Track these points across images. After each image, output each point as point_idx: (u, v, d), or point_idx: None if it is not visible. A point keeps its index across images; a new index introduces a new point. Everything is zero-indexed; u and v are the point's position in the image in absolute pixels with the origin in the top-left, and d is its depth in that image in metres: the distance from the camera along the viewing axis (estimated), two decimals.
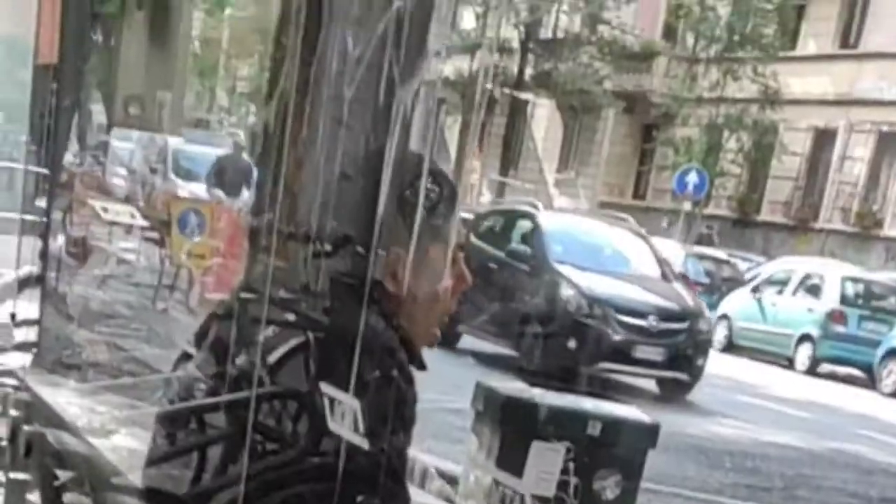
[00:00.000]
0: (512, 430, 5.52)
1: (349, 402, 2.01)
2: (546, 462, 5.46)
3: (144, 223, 16.41)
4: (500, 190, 39.11)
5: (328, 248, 2.30)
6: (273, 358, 2.24)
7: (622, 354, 14.78)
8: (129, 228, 23.09)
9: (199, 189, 18.52)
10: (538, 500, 5.42)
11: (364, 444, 2.05)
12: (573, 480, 5.45)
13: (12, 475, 3.59)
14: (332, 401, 2.07)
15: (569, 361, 14.28)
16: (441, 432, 8.80)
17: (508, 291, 15.77)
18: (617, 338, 14.79)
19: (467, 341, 15.71)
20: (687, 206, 32.58)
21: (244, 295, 2.34)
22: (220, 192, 16.66)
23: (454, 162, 40.59)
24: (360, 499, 2.18)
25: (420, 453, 8.78)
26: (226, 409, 2.23)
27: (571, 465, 5.45)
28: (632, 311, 14.99)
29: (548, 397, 5.65)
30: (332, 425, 2.05)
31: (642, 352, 14.84)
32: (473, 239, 16.27)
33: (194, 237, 13.96)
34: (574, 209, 29.01)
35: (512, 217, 17.66)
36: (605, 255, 16.43)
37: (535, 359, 14.82)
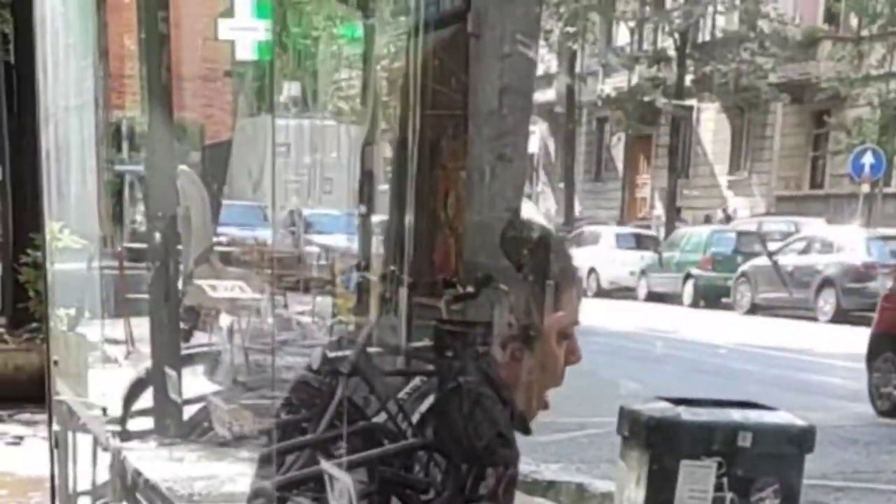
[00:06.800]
0: (660, 451, 5.37)
1: (344, 479, 1.93)
2: (698, 481, 5.30)
3: (256, 295, 16.51)
4: (672, 199, 38.47)
5: (470, 289, 2.29)
6: (421, 409, 2.25)
7: None
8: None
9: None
10: None
11: None
12: (728, 496, 5.27)
13: None
14: (330, 476, 2.00)
15: None
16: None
17: None
18: None
19: None
20: (865, 188, 31.56)
21: (372, 350, 2.34)
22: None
23: (622, 177, 40.14)
24: None
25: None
26: (367, 465, 2.22)
27: (725, 481, 5.29)
28: None
29: (693, 413, 5.48)
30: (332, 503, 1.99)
31: None
32: None
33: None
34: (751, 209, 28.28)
35: None
36: None
37: None
